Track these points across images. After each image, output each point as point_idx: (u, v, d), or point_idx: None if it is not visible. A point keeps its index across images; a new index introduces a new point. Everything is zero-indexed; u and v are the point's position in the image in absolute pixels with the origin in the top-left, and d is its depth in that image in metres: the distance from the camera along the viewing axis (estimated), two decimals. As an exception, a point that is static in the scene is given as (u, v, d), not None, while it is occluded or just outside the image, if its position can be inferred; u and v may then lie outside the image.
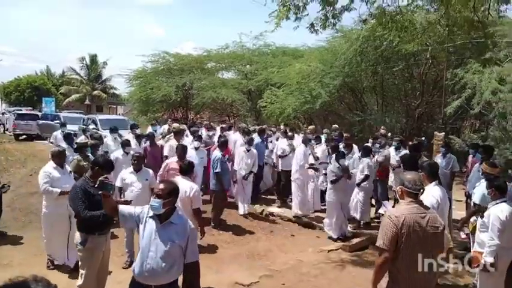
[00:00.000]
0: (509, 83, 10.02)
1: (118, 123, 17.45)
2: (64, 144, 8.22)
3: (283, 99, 15.87)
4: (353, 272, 6.03)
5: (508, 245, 4.31)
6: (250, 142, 8.82)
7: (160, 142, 9.58)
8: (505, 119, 10.75)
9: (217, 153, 7.91)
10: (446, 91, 12.39)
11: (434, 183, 4.46)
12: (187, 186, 5.34)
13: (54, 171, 5.63)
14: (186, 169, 5.66)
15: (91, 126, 16.68)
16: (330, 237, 7.38)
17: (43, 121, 20.65)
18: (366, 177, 7.67)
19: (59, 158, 5.75)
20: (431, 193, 4.31)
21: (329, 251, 6.80)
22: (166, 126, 12.85)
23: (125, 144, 8.01)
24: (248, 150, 8.72)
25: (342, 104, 17.34)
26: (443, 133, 10.34)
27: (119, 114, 34.90)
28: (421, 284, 3.19)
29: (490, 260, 4.19)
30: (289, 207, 8.75)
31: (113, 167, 5.42)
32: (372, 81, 15.87)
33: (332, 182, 7.31)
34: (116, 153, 7.94)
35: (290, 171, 8.78)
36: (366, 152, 8.01)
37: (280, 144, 9.67)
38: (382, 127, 12.18)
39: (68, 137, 8.82)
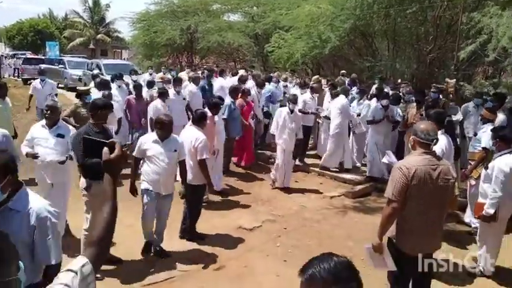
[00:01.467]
0: (527, 29, 9.58)
1: (122, 68, 17.29)
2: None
3: (291, 43, 15.37)
4: (355, 218, 6.13)
5: (509, 198, 4.29)
6: (294, 100, 7.18)
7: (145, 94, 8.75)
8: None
9: (227, 100, 7.60)
10: (461, 36, 11.87)
11: (440, 131, 4.36)
12: (193, 136, 5.12)
13: (39, 131, 4.83)
14: (197, 119, 5.33)
15: (95, 71, 16.51)
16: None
17: (46, 65, 20.43)
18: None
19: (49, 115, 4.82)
20: (439, 142, 4.24)
21: (331, 197, 6.89)
22: (159, 75, 12.59)
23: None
24: (292, 112, 7.09)
25: (352, 48, 16.77)
26: (455, 80, 10.03)
27: (124, 59, 34.35)
28: (428, 233, 3.21)
29: (491, 211, 4.19)
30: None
31: (113, 106, 5.39)
32: (384, 24, 15.20)
33: (373, 122, 7.51)
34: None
35: (310, 127, 8.57)
36: (397, 100, 7.83)
37: (302, 97, 8.49)
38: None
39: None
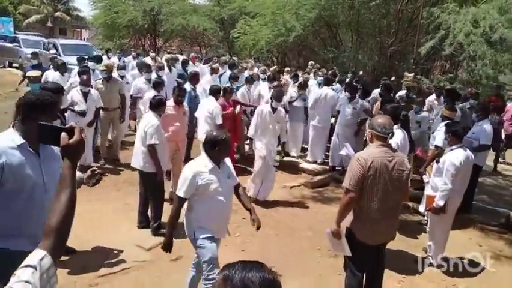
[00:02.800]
0: (482, 27, 9.97)
1: (81, 49, 16.61)
2: None
3: (257, 30, 15.33)
4: (314, 208, 6.23)
5: (459, 189, 4.49)
6: (278, 97, 6.15)
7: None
8: (474, 61, 10.84)
9: (187, 87, 7.22)
10: (421, 30, 12.22)
11: (396, 126, 4.49)
12: (145, 121, 4.96)
13: None
14: (154, 105, 5.05)
15: (52, 51, 15.74)
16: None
17: (-2, 43, 19.29)
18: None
19: None
20: (394, 136, 4.36)
21: (291, 187, 6.96)
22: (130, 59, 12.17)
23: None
24: (274, 110, 6.19)
25: (317, 39, 16.91)
26: (413, 74, 10.34)
27: (84, 39, 32.97)
28: (383, 223, 3.33)
29: (441, 203, 4.36)
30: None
31: (64, 90, 5.22)
32: (348, 16, 15.40)
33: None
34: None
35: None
36: (365, 93, 7.92)
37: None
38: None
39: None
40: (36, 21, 38.04)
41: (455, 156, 4.39)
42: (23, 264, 1.23)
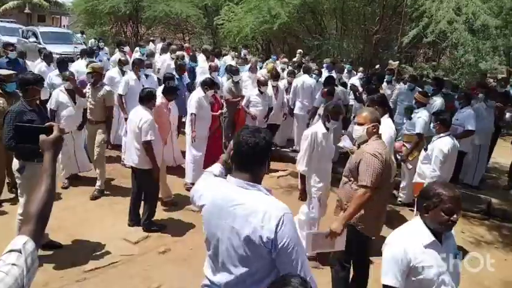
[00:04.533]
0: (464, 14, 10.06)
1: (62, 37, 16.24)
2: None
3: (241, 17, 15.14)
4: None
5: (446, 176, 4.58)
6: (336, 113, 4.34)
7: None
8: (456, 49, 10.95)
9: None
10: (405, 18, 12.27)
11: (386, 115, 4.52)
12: (138, 116, 4.77)
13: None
14: (144, 98, 4.86)
15: (31, 40, 15.33)
16: None
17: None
18: None
19: None
20: (389, 125, 4.39)
21: (278, 176, 6.99)
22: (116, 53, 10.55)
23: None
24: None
25: (302, 26, 16.82)
26: (397, 62, 10.42)
27: (64, 26, 32.14)
28: (383, 215, 3.48)
29: None
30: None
31: (44, 80, 5.03)
32: (333, 2, 15.36)
33: None
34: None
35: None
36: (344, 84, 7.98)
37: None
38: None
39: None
40: (13, 8, 36.82)
41: (444, 143, 4.48)
42: (6, 249, 1.30)
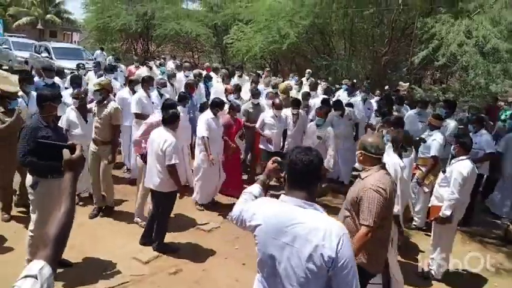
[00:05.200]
0: (474, 37, 10.10)
1: (73, 52, 16.45)
2: None
3: (250, 36, 15.32)
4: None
5: (465, 200, 4.49)
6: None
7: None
8: (466, 71, 10.95)
9: None
10: (414, 40, 12.33)
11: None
12: (161, 138, 4.60)
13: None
14: (167, 119, 4.69)
15: (44, 55, 15.53)
16: None
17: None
18: None
19: None
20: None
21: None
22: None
23: None
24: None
25: (310, 46, 16.96)
26: (408, 83, 10.41)
27: (75, 42, 32.62)
28: (387, 241, 3.23)
29: (448, 213, 4.34)
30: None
31: (61, 97, 5.00)
32: (342, 24, 15.52)
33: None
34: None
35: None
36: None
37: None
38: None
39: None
40: (26, 24, 37.55)
41: (463, 166, 4.39)
42: (22, 274, 1.26)
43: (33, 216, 4.11)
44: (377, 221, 2.86)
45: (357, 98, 8.90)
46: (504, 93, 11.42)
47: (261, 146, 7.00)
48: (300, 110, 7.19)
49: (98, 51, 18.05)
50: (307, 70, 12.82)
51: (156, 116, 5.30)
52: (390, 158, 3.90)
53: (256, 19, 15.40)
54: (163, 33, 18.84)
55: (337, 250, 1.78)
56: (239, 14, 16.73)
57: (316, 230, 1.81)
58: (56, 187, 4.16)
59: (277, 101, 6.93)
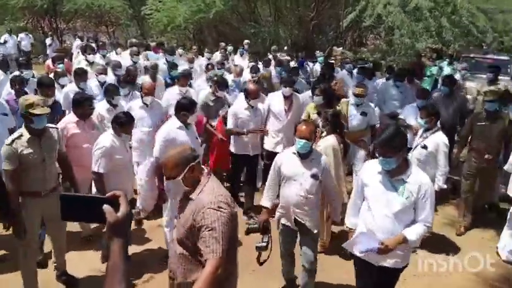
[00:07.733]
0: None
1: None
2: None
3: (172, 6, 14.43)
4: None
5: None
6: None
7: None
8: (392, 32, 11.34)
9: None
10: (342, 3, 12.46)
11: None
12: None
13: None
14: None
15: None
16: None
17: None
18: None
19: None
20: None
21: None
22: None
23: None
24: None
25: (236, 14, 16.45)
26: (341, 48, 10.54)
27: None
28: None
29: (444, 186, 4.30)
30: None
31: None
32: (265, -13, 15.20)
33: None
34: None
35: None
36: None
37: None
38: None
39: None
40: None
41: (440, 137, 4.28)
42: None
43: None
44: (227, 248, 2.15)
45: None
46: (425, 50, 12.08)
47: (232, 150, 5.32)
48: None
49: (23, 35, 15.79)
50: (246, 41, 12.35)
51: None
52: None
53: (177, -13, 14.49)
54: (73, 8, 17.06)
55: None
56: (156, -18, 15.58)
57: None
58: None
59: (251, 86, 5.27)
